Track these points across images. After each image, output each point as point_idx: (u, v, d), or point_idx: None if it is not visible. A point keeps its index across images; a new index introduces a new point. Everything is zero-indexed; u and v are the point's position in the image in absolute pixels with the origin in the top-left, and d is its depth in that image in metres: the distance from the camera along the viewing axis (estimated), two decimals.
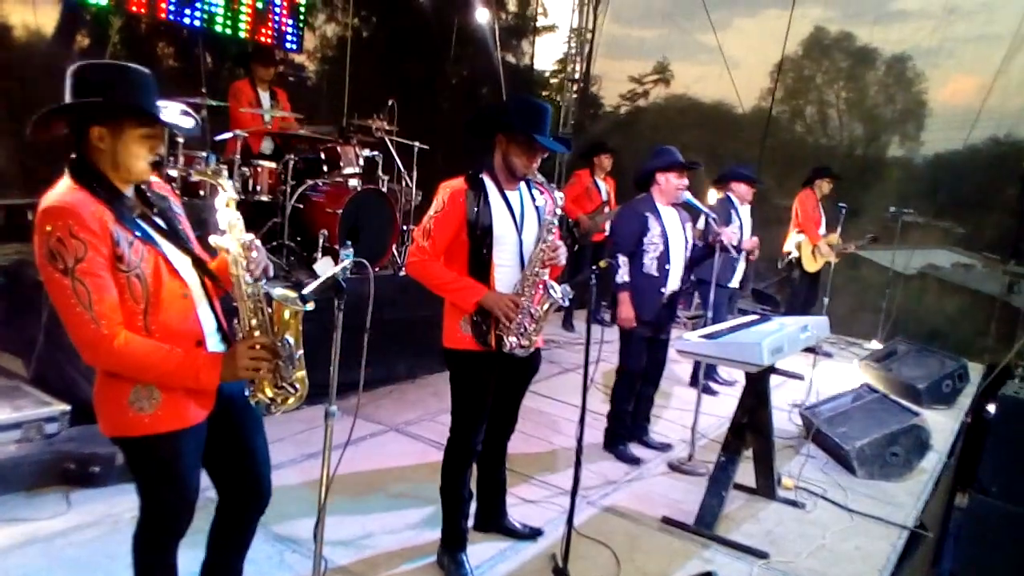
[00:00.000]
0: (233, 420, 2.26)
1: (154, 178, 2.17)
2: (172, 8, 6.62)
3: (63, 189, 1.94)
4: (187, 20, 6.79)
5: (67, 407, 3.91)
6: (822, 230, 7.31)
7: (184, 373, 1.99)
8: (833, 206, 7.31)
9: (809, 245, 7.27)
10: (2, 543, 3.06)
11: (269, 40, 7.41)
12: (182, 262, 2.10)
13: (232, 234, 2.08)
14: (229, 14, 7.11)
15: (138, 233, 1.99)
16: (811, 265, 7.32)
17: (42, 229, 1.87)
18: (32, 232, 1.90)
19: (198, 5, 6.79)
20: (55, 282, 1.86)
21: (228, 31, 7.12)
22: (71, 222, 1.86)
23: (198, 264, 2.13)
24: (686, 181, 4.52)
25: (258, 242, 2.14)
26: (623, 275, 4.43)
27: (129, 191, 2.05)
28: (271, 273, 2.20)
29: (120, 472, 3.62)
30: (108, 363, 1.96)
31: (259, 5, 7.33)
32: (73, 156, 1.99)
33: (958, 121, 8.51)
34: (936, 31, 8.66)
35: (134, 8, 6.43)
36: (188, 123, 2.37)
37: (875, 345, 7.94)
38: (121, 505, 3.43)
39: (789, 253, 7.39)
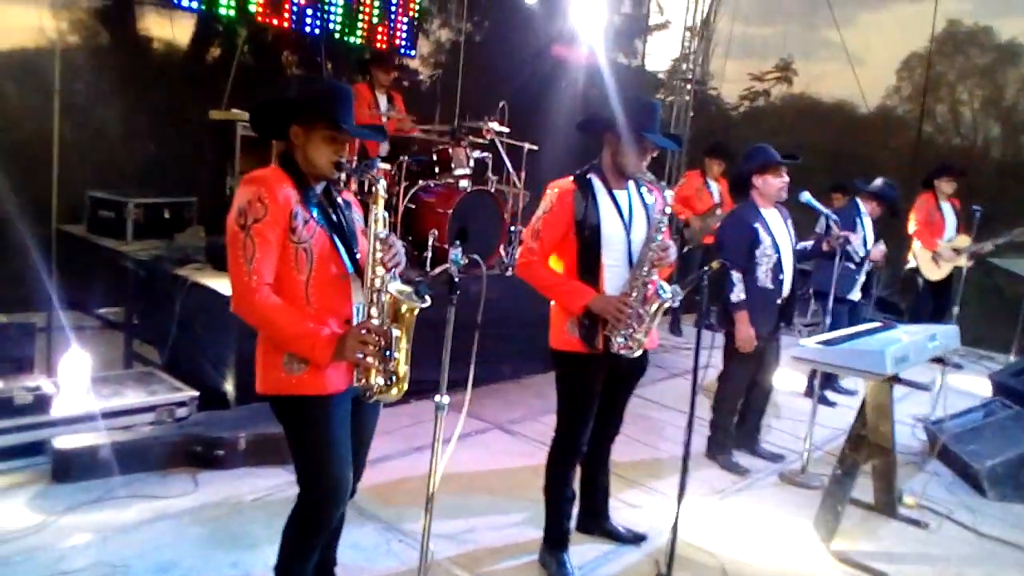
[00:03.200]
0: (359, 410, 2.44)
1: (347, 193, 2.55)
2: (294, 17, 6.89)
3: (267, 169, 2.33)
4: (307, 29, 7.03)
5: (196, 393, 4.17)
6: (949, 234, 6.82)
7: (303, 342, 2.22)
8: (966, 208, 6.81)
9: (927, 252, 6.79)
10: (136, 517, 3.29)
11: (384, 45, 7.63)
12: (345, 251, 2.36)
13: (375, 228, 2.28)
14: (348, 21, 7.35)
15: (315, 216, 2.30)
16: (933, 272, 6.82)
17: (239, 191, 2.25)
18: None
19: (319, 12, 7.05)
20: (233, 234, 2.21)
21: (348, 38, 7.36)
22: (262, 190, 2.21)
23: (353, 257, 2.38)
24: (786, 179, 4.26)
25: (395, 239, 2.34)
26: (739, 293, 4.20)
27: (319, 186, 2.37)
28: (401, 267, 2.36)
29: (243, 456, 3.83)
30: (246, 311, 2.22)
31: (376, 12, 7.56)
32: (283, 150, 2.39)
33: None
34: None
35: (260, 18, 6.75)
36: (375, 134, 3.02)
37: (1010, 358, 7.39)
38: (243, 488, 3.63)
39: (906, 261, 6.94)
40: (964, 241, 6.78)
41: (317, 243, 2.28)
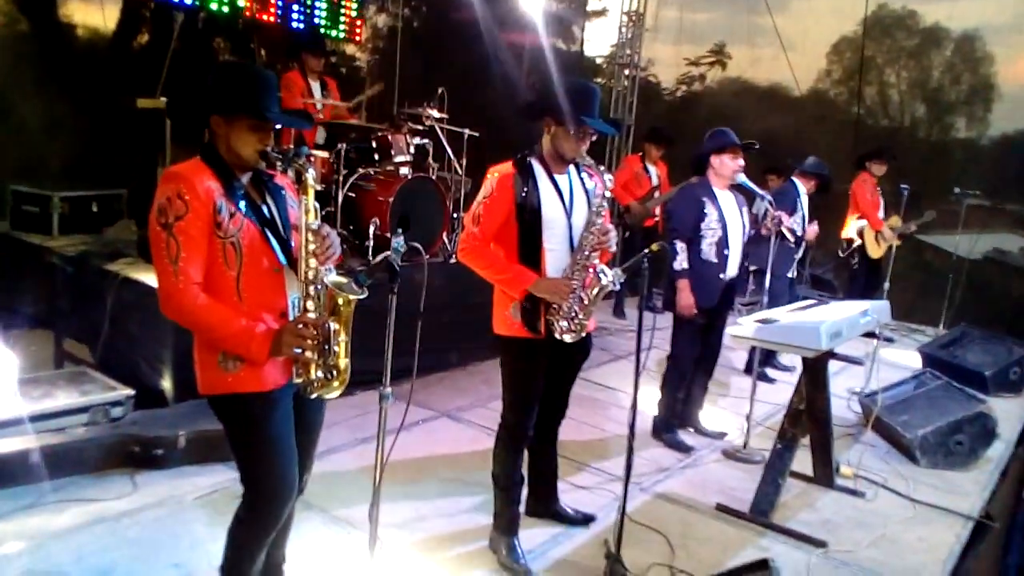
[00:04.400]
0: (304, 405, 2.38)
1: (281, 178, 2.44)
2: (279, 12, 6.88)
3: (187, 163, 2.24)
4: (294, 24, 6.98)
5: (131, 391, 4.04)
6: (881, 213, 7.07)
7: (237, 340, 2.16)
8: (895, 187, 7.06)
9: (872, 231, 7.03)
10: (71, 522, 3.18)
11: (273, 19, 7.34)
12: (277, 242, 2.28)
13: (307, 219, 2.21)
14: (329, 16, 7.33)
15: (241, 208, 2.22)
16: (875, 251, 7.08)
17: (159, 189, 2.16)
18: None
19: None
20: (155, 234, 2.13)
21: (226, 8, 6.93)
22: (182, 186, 2.13)
23: (286, 248, 2.30)
24: (742, 162, 4.39)
25: (329, 229, 2.27)
26: (681, 262, 4.31)
27: (245, 176, 2.29)
28: (335, 258, 2.29)
29: (183, 455, 3.73)
30: (175, 313, 2.16)
31: None
32: (205, 140, 2.28)
33: None
34: (1010, 7, 8.30)
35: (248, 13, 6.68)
36: (300, 121, 2.73)
37: (939, 331, 7.69)
38: (184, 487, 3.54)
39: (851, 240, 7.15)
40: (896, 221, 7.04)
41: (246, 236, 2.20)
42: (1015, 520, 5.03)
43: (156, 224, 2.12)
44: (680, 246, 4.31)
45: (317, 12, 7.24)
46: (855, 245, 7.13)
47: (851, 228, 7.15)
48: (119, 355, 4.52)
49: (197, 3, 6.39)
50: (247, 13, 6.69)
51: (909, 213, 7.03)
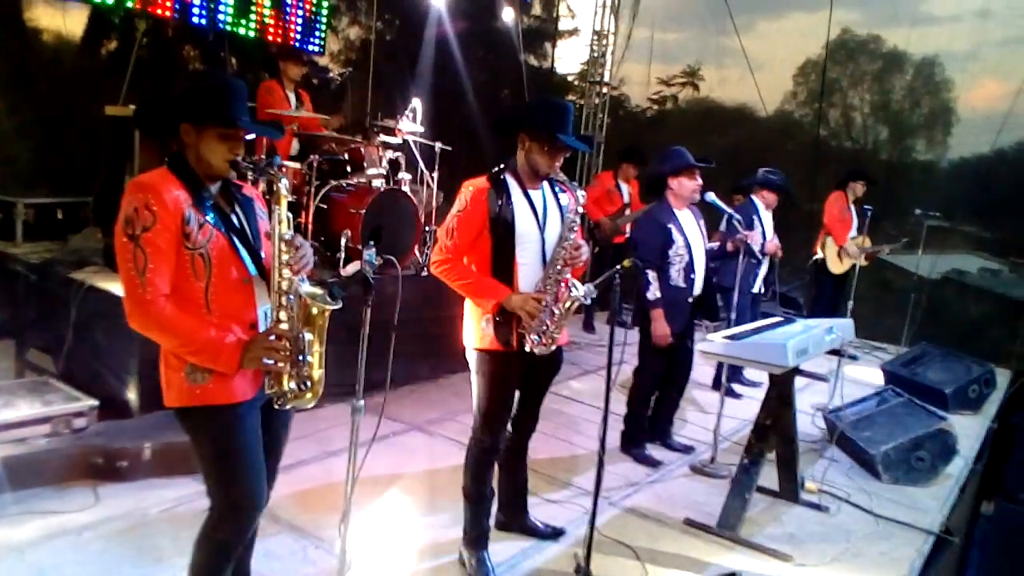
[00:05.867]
0: (270, 417, 2.36)
1: (249, 188, 2.42)
2: (177, 6, 6.51)
3: (154, 172, 2.20)
4: (194, 19, 6.66)
5: (95, 402, 3.97)
6: (852, 233, 7.22)
7: (207, 351, 2.14)
8: (859, 210, 7.24)
9: (834, 247, 7.19)
10: (32, 535, 3.11)
11: (279, 39, 7.42)
12: (246, 253, 2.26)
13: (279, 229, 2.20)
14: (237, 12, 6.99)
15: (209, 218, 2.19)
16: (836, 267, 7.24)
17: (125, 199, 2.12)
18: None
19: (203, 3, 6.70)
20: (121, 245, 2.10)
21: (234, 28, 6.99)
22: (149, 196, 2.09)
23: (256, 259, 2.28)
24: (699, 181, 4.43)
25: (302, 240, 2.25)
26: (654, 291, 4.32)
27: (214, 186, 2.26)
28: (308, 268, 2.27)
29: (148, 467, 3.67)
30: (143, 325, 2.13)
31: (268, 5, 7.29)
32: (173, 148, 2.25)
33: (985, 125, 8.40)
34: (968, 35, 8.56)
35: (159, 12, 6.41)
36: (270, 130, 2.72)
37: (900, 349, 7.84)
38: (148, 500, 3.48)
39: (813, 254, 7.31)
40: (866, 242, 7.21)
41: (215, 247, 2.18)
42: (972, 535, 5.14)
43: (123, 235, 2.09)
44: (652, 275, 4.32)
45: (222, 8, 6.84)
46: (816, 258, 7.28)
47: (820, 243, 7.29)
48: (83, 365, 4.43)
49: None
50: (137, 5, 6.34)
51: (872, 233, 7.21)
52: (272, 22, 7.24)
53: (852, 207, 7.23)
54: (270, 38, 7.19)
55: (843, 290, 7.37)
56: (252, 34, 6.94)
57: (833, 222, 7.14)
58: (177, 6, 6.51)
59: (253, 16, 7.09)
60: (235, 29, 6.75)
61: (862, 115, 10.03)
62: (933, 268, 8.49)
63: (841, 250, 7.18)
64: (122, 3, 6.38)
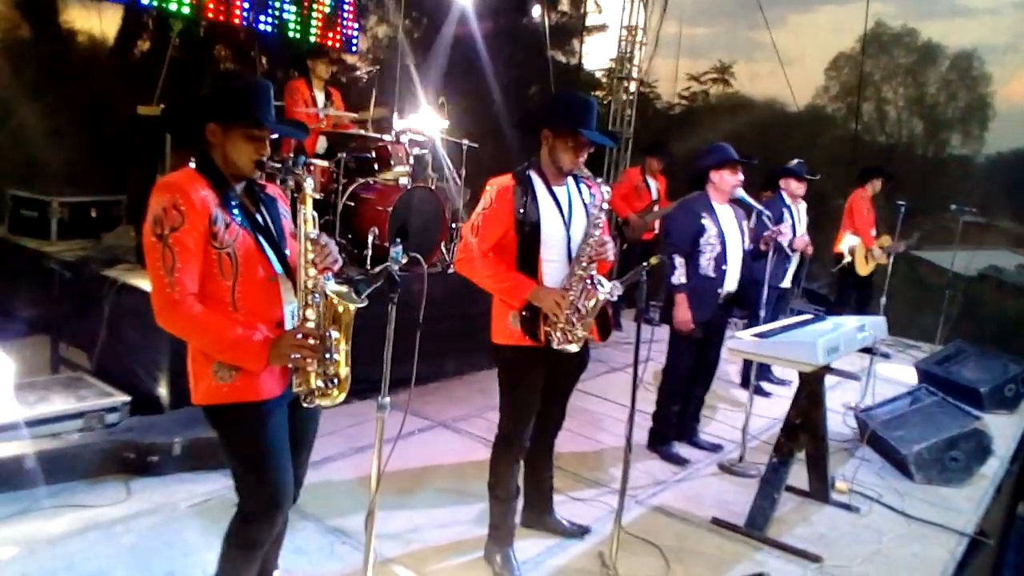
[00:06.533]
0: (298, 415, 2.38)
1: (273, 187, 2.42)
2: (246, 14, 6.77)
3: (181, 172, 2.22)
4: (261, 26, 6.94)
5: (127, 398, 4.03)
6: (873, 231, 7.10)
7: (235, 349, 2.16)
8: (890, 204, 7.09)
9: (863, 248, 7.05)
10: (64, 528, 3.17)
11: (337, 44, 7.51)
12: (272, 252, 2.28)
13: (305, 228, 2.21)
14: (299, 19, 7.28)
15: (236, 218, 2.21)
16: (863, 268, 7.10)
17: (153, 199, 2.13)
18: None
19: (270, 11, 6.96)
20: (150, 244, 2.11)
21: (299, 35, 7.27)
22: (177, 197, 2.11)
23: (282, 258, 2.29)
24: (741, 177, 4.40)
25: (327, 238, 2.26)
26: (679, 276, 4.29)
27: (240, 186, 2.28)
28: (336, 268, 2.29)
29: (178, 462, 3.72)
30: (172, 324, 2.14)
31: (327, 10, 7.48)
32: (200, 148, 2.26)
33: (1023, 119, 8.23)
34: (1007, 27, 8.37)
35: (210, 14, 6.58)
36: (295, 130, 2.68)
37: (935, 347, 7.71)
38: (178, 494, 3.53)
39: (842, 255, 7.16)
40: (886, 240, 7.08)
41: (241, 246, 2.20)
42: (1008, 537, 5.03)
43: (151, 235, 2.11)
44: (678, 260, 4.30)
45: (286, 15, 7.09)
46: (844, 262, 7.13)
47: (844, 243, 7.15)
48: (116, 361, 4.51)
49: (154, 4, 6.27)
50: (208, 15, 6.52)
51: (905, 229, 7.05)
52: (320, 24, 7.16)
53: (871, 204, 7.08)
54: (210, 15, 6.67)
55: (869, 290, 7.26)
56: (187, 10, 6.38)
57: (862, 224, 6.99)
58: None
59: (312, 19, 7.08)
60: (163, 4, 6.28)
61: (896, 109, 9.88)
62: (969, 264, 8.34)
63: (869, 252, 7.05)
64: (196, 18, 6.55)
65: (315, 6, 7.37)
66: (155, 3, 6.28)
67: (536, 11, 9.44)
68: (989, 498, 4.49)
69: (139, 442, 3.70)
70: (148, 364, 4.29)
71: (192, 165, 2.24)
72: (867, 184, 7.04)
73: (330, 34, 7.56)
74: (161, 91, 6.33)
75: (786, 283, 5.79)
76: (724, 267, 4.35)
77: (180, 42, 6.89)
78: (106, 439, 3.73)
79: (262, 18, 6.92)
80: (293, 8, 7.15)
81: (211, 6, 6.51)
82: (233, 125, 2.21)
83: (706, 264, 4.34)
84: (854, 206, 7.04)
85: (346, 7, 7.62)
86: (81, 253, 5.15)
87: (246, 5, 6.77)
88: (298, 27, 7.28)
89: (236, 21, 6.76)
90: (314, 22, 7.40)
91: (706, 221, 4.33)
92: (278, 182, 2.38)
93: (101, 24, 6.92)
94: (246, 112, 2.21)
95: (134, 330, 4.39)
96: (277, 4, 7.01)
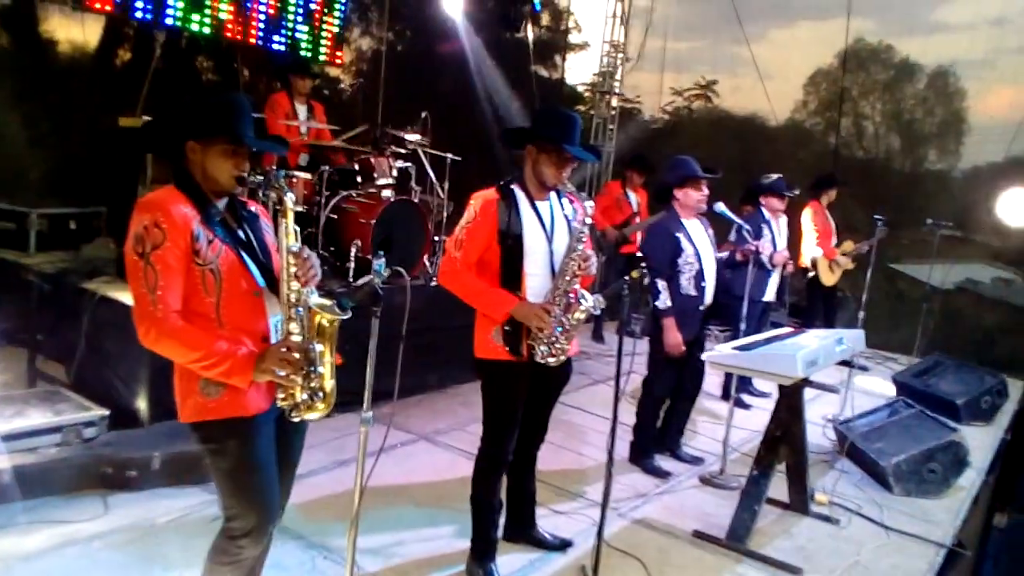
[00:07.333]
0: (283, 430, 2.37)
1: (253, 203, 2.42)
2: (261, 35, 7.05)
3: (162, 190, 2.22)
4: (275, 46, 7.17)
5: (106, 412, 3.98)
6: (833, 240, 7.12)
7: (220, 365, 2.14)
8: (868, 217, 7.14)
9: (825, 260, 7.06)
10: (41, 544, 3.13)
11: (253, 39, 7.39)
12: (255, 266, 2.28)
13: (287, 241, 2.21)
14: (311, 39, 7.54)
15: (218, 234, 2.21)
16: (828, 279, 7.10)
17: (134, 218, 2.13)
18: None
19: (283, 31, 7.23)
20: (132, 263, 2.11)
21: (310, 54, 7.55)
22: (158, 215, 2.11)
23: (266, 272, 2.29)
24: (706, 192, 4.42)
25: (310, 252, 2.26)
26: (664, 300, 4.31)
27: (221, 202, 2.28)
28: (317, 280, 2.29)
29: (157, 476, 3.68)
30: (155, 342, 2.13)
31: (336, 29, 7.76)
32: (180, 166, 2.25)
33: (999, 133, 8.35)
34: (983, 43, 8.51)
35: (229, 34, 6.84)
36: (276, 146, 2.61)
37: (912, 360, 7.78)
38: (157, 509, 3.49)
39: (807, 269, 7.14)
40: (849, 246, 7.12)
41: (224, 262, 2.20)
42: (986, 548, 5.08)
43: (133, 253, 2.10)
44: (661, 284, 4.31)
45: (299, 34, 7.36)
46: (811, 275, 7.14)
47: (806, 255, 7.13)
48: (94, 374, 4.46)
49: (179, 24, 6.40)
50: (227, 34, 6.74)
51: (882, 243, 7.10)
52: (230, 18, 6.91)
53: (828, 214, 7.10)
54: (228, 35, 6.91)
55: (835, 299, 7.29)
56: (207, 30, 6.66)
57: (821, 237, 6.99)
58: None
59: (207, 11, 6.73)
60: (186, 25, 6.49)
61: (874, 124, 9.99)
62: (946, 278, 8.43)
63: (832, 262, 7.07)
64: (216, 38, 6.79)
65: (324, 26, 7.62)
66: (178, 23, 6.42)
67: (519, 26, 9.49)
68: (966, 509, 4.55)
69: (117, 457, 3.67)
70: (127, 377, 4.25)
71: (173, 183, 2.23)
72: (822, 195, 7.02)
73: (338, 53, 7.87)
74: (143, 102, 6.30)
75: (768, 297, 5.83)
76: (703, 284, 4.40)
77: (162, 53, 6.87)
78: (84, 454, 3.69)
79: (275, 37, 7.16)
80: (305, 28, 7.41)
81: (230, 26, 6.79)
82: (212, 142, 2.21)
83: (687, 284, 4.37)
84: (813, 219, 6.97)
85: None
86: (60, 265, 5.11)
87: (262, 25, 7.02)
88: (310, 46, 7.52)
89: (252, 41, 7.01)
90: (324, 41, 7.65)
91: (682, 242, 4.36)
92: (260, 195, 2.38)
93: (83, 34, 6.87)
94: (225, 128, 2.21)
95: (113, 343, 4.35)
96: (290, 24, 7.27)
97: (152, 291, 2.09)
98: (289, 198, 2.22)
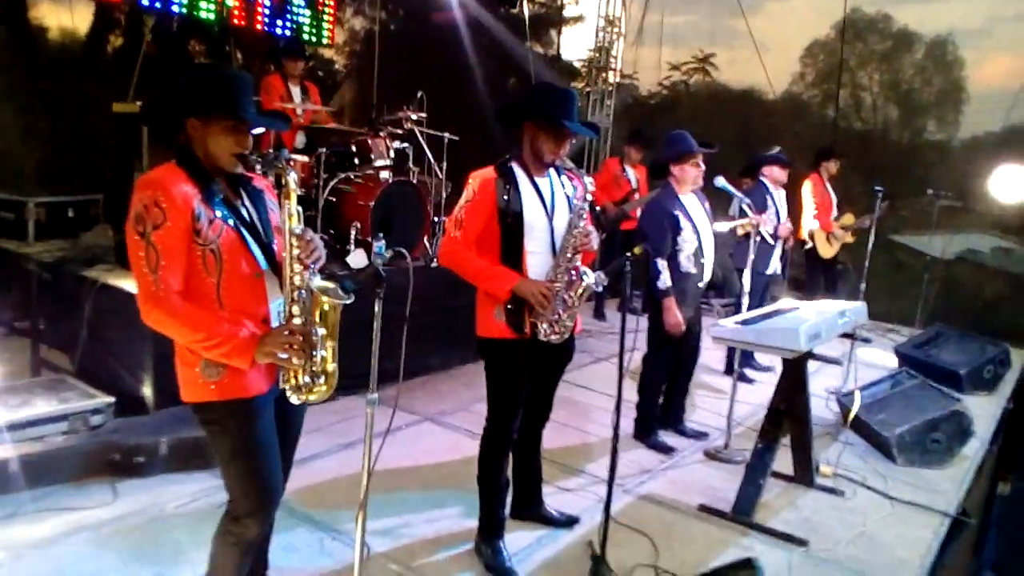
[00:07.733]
0: (284, 411, 2.37)
1: (260, 180, 2.39)
2: (267, 20, 7.05)
3: (163, 168, 2.19)
4: (279, 31, 7.17)
5: (111, 399, 3.99)
6: (833, 213, 7.10)
7: (221, 346, 2.13)
8: (868, 189, 7.12)
9: (823, 232, 7.04)
10: (51, 532, 3.14)
11: (258, 24, 7.48)
12: (257, 247, 2.25)
13: (290, 224, 2.19)
14: (315, 23, 7.54)
15: (219, 213, 2.18)
16: (827, 251, 7.09)
17: (135, 196, 2.11)
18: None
19: (287, 15, 7.23)
20: (133, 242, 2.09)
21: (314, 39, 7.58)
22: (159, 194, 2.08)
23: (267, 252, 2.27)
24: (702, 168, 4.39)
25: (312, 234, 2.24)
26: (665, 280, 4.28)
27: (223, 181, 2.24)
28: (321, 262, 2.27)
29: (165, 462, 3.69)
30: (157, 321, 2.12)
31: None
32: (181, 143, 2.23)
33: (997, 102, 8.31)
34: (981, 11, 8.44)
35: (235, 20, 6.84)
36: (277, 122, 2.65)
37: (914, 331, 7.79)
38: (166, 495, 3.51)
39: (804, 240, 7.12)
40: (849, 219, 7.10)
41: (225, 242, 2.17)
42: (990, 516, 5.12)
43: (134, 233, 2.09)
44: (661, 264, 4.29)
45: (302, 19, 7.35)
46: (808, 247, 7.13)
47: (805, 228, 7.10)
48: (98, 362, 4.47)
49: (186, 11, 6.36)
50: (234, 20, 6.73)
51: (883, 213, 7.08)
52: (237, 3, 6.90)
53: (828, 187, 7.09)
54: (235, 21, 6.93)
55: (834, 271, 7.28)
56: (212, 16, 6.67)
57: (818, 210, 6.97)
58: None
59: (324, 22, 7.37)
60: (195, 12, 6.50)
61: (872, 95, 9.94)
62: (946, 248, 8.43)
63: (829, 235, 7.06)
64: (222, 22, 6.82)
65: (327, 10, 7.60)
66: (185, 9, 6.40)
67: (520, 1, 9.40)
68: (970, 478, 4.56)
69: (124, 443, 3.67)
70: (131, 364, 4.25)
71: (174, 160, 2.21)
72: (820, 168, 6.99)
73: (255, 15, 7.62)
74: (136, 87, 6.25)
75: (771, 270, 5.83)
76: (703, 260, 4.38)
77: (153, 37, 6.81)
78: (91, 441, 3.70)
79: (279, 22, 7.15)
80: (308, 12, 7.40)
81: (236, 12, 6.80)
82: (213, 119, 2.18)
83: (687, 262, 4.36)
84: (812, 192, 6.95)
85: None
86: (59, 254, 5.10)
87: (267, 11, 7.00)
88: (313, 30, 7.51)
89: (258, 27, 7.01)
90: (326, 25, 7.63)
91: (680, 220, 4.33)
92: (259, 175, 2.36)
93: (73, 20, 6.82)
94: (226, 105, 2.18)
95: (116, 330, 4.35)
96: (294, 8, 7.26)
97: (153, 271, 2.08)
98: (292, 178, 2.20)
